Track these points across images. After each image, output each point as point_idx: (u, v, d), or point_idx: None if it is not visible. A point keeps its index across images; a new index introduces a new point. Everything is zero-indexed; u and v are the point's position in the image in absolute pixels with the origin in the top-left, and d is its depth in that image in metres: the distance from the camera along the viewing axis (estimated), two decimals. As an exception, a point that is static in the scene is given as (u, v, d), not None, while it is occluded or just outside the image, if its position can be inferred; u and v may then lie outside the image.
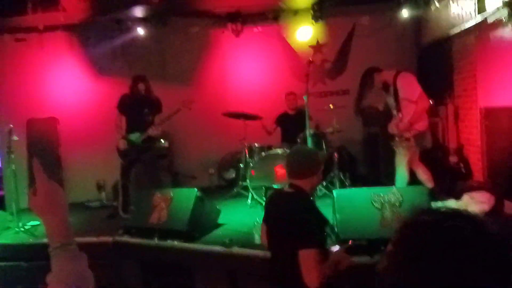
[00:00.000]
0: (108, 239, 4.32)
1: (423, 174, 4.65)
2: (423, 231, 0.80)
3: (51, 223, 1.11)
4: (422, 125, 4.47)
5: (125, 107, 5.26)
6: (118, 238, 4.31)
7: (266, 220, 2.61)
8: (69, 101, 6.59)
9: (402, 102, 4.47)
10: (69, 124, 6.53)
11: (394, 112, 4.63)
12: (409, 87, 4.46)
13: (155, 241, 4.05)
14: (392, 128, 4.68)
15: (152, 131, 5.16)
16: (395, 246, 0.84)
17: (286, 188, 2.49)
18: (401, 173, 4.56)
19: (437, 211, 0.84)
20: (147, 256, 4.19)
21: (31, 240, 4.50)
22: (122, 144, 5.13)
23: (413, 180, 4.58)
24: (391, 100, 4.66)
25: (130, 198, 5.22)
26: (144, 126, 5.17)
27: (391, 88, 4.57)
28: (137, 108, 5.21)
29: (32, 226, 4.94)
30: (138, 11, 5.87)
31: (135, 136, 5.17)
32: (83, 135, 6.42)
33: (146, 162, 5.35)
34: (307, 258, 2.10)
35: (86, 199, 6.20)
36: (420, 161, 4.63)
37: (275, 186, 5.19)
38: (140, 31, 6.52)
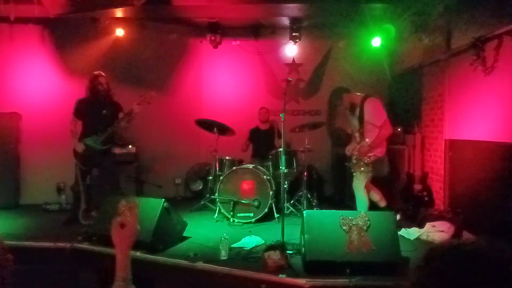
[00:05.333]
0: (66, 245, 4.12)
1: (375, 195, 4.79)
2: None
3: (124, 257, 1.28)
4: (380, 151, 4.64)
5: (82, 112, 5.02)
6: (76, 245, 4.13)
7: None
8: (34, 97, 6.30)
9: (366, 125, 4.59)
10: (32, 122, 6.25)
11: (356, 134, 4.74)
12: (376, 112, 4.59)
13: (117, 251, 3.90)
14: (349, 150, 4.79)
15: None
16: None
17: None
18: (361, 198, 4.66)
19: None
20: (107, 265, 4.02)
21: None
22: (80, 147, 4.91)
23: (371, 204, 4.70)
24: (355, 122, 4.76)
25: (91, 204, 5.02)
26: (103, 128, 4.95)
27: (357, 110, 4.68)
28: (95, 110, 4.98)
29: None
30: (118, 12, 5.74)
31: (92, 140, 4.95)
32: (46, 134, 6.15)
33: (106, 167, 5.12)
34: None
35: (44, 201, 5.89)
36: (370, 184, 4.75)
37: (243, 201, 5.17)
38: (118, 32, 6.38)
